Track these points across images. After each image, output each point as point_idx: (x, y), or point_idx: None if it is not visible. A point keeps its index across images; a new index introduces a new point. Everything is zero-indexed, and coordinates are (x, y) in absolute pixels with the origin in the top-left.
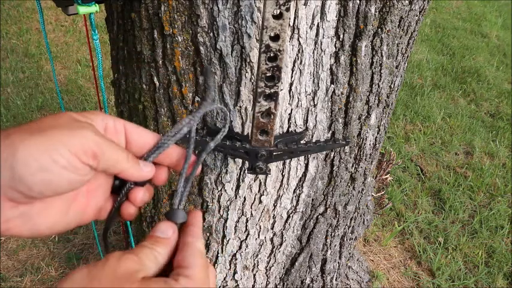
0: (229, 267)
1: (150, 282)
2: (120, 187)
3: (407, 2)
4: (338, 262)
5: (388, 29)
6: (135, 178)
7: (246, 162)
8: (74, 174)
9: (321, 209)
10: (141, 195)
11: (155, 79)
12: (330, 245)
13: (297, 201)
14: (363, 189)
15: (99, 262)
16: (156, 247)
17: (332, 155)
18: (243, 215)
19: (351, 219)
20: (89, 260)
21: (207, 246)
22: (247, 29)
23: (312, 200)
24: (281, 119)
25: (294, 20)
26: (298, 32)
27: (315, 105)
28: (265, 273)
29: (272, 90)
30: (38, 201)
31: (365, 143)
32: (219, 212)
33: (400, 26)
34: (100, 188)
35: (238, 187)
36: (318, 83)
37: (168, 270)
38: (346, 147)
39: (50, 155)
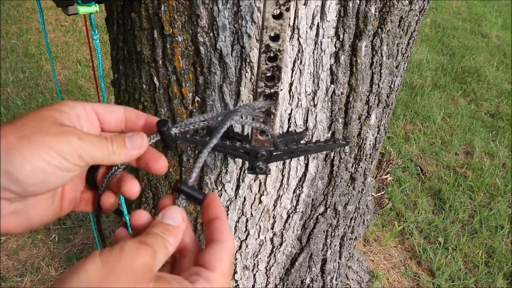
0: None
1: (165, 283)
2: (92, 177)
3: (407, 2)
4: (338, 262)
5: (388, 29)
6: (124, 162)
7: (246, 162)
8: (66, 172)
9: (321, 209)
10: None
11: (155, 79)
12: (330, 245)
13: (297, 201)
14: (363, 189)
15: (113, 250)
16: (167, 237)
17: (332, 155)
18: (243, 215)
19: (351, 219)
20: None
21: None
22: (247, 29)
23: (312, 200)
24: (281, 119)
25: (294, 20)
26: (298, 32)
27: (315, 105)
28: (265, 273)
29: (272, 90)
30: (30, 198)
31: (365, 143)
32: None
33: (400, 26)
34: (76, 178)
35: (238, 187)
36: (318, 83)
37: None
38: (346, 147)
39: (43, 158)
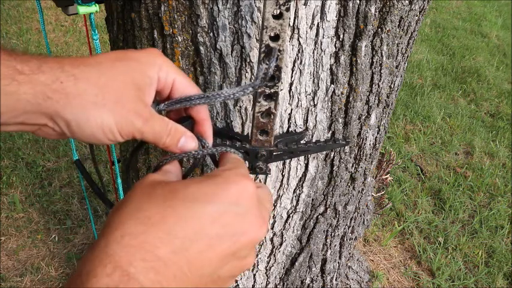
0: None
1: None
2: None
3: (407, 2)
4: (338, 262)
5: (388, 29)
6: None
7: (246, 162)
8: (114, 141)
9: (321, 209)
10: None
11: None
12: (330, 245)
13: (297, 201)
14: (363, 189)
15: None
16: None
17: (332, 155)
18: None
19: (351, 219)
20: None
21: None
22: (247, 29)
23: (312, 200)
24: (281, 119)
25: (294, 20)
26: (298, 32)
27: (315, 105)
28: (265, 273)
29: (272, 90)
30: None
31: (365, 143)
32: None
33: (400, 26)
34: None
35: None
36: (318, 83)
37: None
38: (346, 147)
39: (102, 128)
